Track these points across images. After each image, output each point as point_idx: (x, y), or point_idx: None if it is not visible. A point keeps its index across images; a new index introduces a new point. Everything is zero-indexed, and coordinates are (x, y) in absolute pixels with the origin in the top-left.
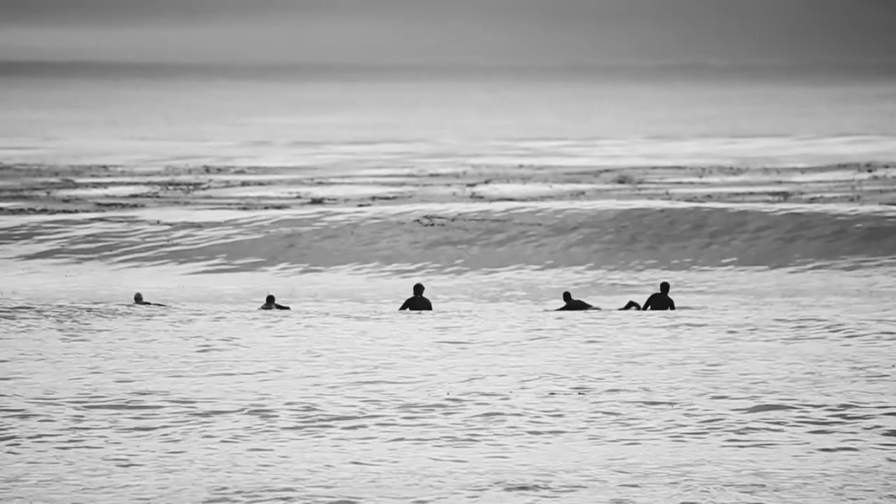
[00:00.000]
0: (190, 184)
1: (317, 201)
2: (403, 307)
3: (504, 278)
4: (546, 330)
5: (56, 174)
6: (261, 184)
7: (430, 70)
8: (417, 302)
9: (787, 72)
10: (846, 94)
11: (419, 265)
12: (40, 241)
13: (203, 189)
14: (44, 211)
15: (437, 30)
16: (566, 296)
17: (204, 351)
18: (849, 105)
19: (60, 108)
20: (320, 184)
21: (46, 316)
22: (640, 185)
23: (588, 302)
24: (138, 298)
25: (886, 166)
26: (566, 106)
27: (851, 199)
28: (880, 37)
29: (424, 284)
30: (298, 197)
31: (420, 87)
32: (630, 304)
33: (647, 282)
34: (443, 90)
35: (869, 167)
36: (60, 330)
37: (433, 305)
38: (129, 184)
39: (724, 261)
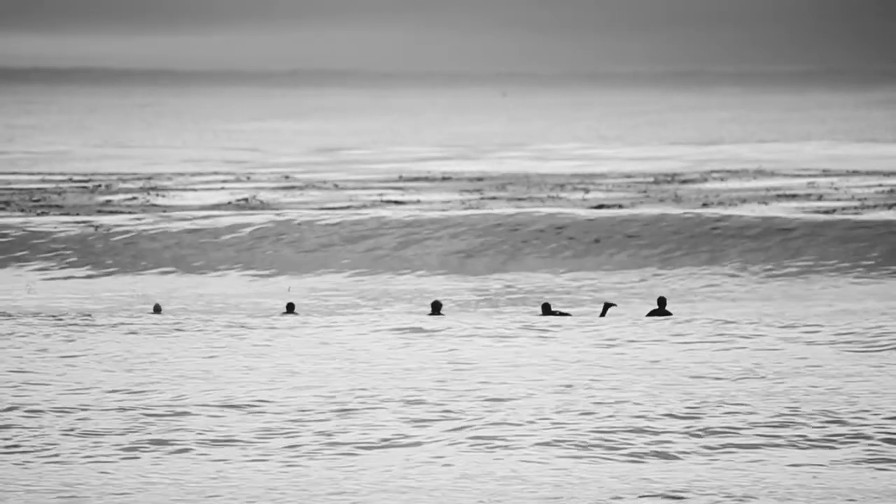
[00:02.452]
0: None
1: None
2: None
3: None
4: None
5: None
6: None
7: (438, 77)
8: None
9: (789, 79)
10: (836, 101)
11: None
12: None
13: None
14: None
15: (443, 38)
16: (545, 307)
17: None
18: (836, 110)
19: (54, 114)
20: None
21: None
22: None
23: (564, 311)
24: (157, 309)
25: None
26: (561, 111)
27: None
28: (884, 44)
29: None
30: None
31: (427, 93)
32: (606, 307)
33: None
34: (450, 96)
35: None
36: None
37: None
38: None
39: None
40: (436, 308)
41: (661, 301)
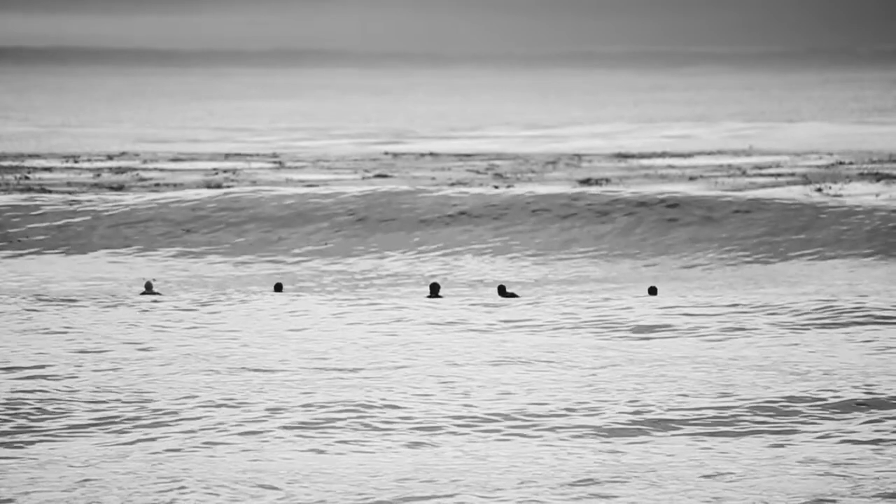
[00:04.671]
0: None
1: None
2: None
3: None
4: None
5: None
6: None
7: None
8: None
9: (776, 60)
10: (812, 81)
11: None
12: None
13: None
14: None
15: (431, 19)
16: (501, 288)
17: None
18: (804, 91)
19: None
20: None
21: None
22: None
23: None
24: (148, 287)
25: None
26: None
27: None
28: (871, 25)
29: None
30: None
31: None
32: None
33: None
34: (445, 77)
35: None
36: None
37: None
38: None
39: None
40: (434, 290)
41: (652, 290)
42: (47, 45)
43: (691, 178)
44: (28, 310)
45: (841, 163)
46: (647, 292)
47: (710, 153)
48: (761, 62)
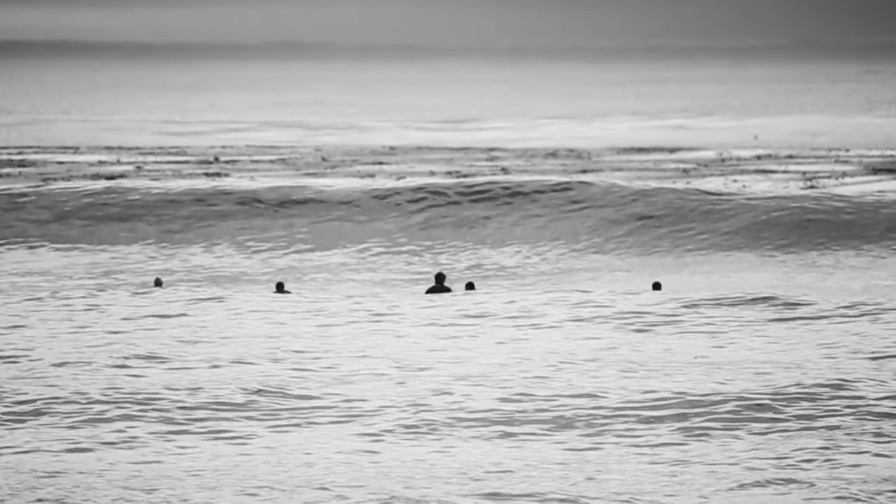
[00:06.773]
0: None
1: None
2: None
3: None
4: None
5: None
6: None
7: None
8: (438, 291)
9: (770, 53)
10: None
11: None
12: None
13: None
14: None
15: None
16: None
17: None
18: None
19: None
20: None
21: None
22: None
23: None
24: (158, 283)
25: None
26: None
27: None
28: (863, 18)
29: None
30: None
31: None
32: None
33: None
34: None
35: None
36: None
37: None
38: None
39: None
40: (439, 280)
41: (656, 286)
42: (45, 38)
43: (684, 171)
44: None
45: (836, 150)
46: (651, 287)
47: (708, 147)
48: (758, 56)
